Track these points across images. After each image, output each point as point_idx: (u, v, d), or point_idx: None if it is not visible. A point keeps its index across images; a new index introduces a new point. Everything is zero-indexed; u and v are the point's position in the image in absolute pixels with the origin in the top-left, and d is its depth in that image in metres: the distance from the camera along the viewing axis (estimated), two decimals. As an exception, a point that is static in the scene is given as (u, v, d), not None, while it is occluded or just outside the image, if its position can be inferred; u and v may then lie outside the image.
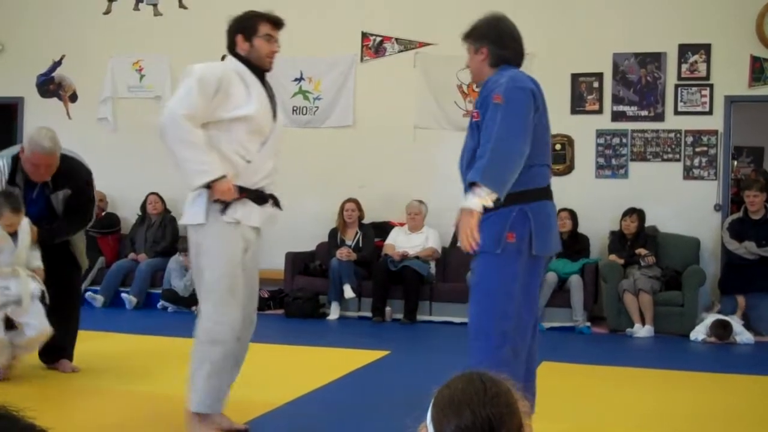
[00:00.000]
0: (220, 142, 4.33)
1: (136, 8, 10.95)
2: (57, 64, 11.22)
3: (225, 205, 4.33)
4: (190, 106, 4.26)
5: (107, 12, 11.04)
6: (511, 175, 4.01)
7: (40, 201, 5.73)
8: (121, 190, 10.85)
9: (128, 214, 10.73)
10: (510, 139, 3.98)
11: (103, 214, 10.63)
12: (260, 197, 4.50)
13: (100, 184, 10.63)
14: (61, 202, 5.80)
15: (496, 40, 4.35)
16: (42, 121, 11.22)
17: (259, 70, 4.54)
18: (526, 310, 4.22)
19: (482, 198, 3.98)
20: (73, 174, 5.84)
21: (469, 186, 4.02)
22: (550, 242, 4.26)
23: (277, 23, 4.56)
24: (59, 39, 11.16)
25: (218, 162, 4.27)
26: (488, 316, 4.11)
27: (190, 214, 4.43)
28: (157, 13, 10.86)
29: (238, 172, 4.35)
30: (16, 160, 5.61)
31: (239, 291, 4.42)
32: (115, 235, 10.64)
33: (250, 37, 4.49)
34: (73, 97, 11.23)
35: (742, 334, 8.15)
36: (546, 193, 4.27)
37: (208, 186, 4.24)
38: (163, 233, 10.26)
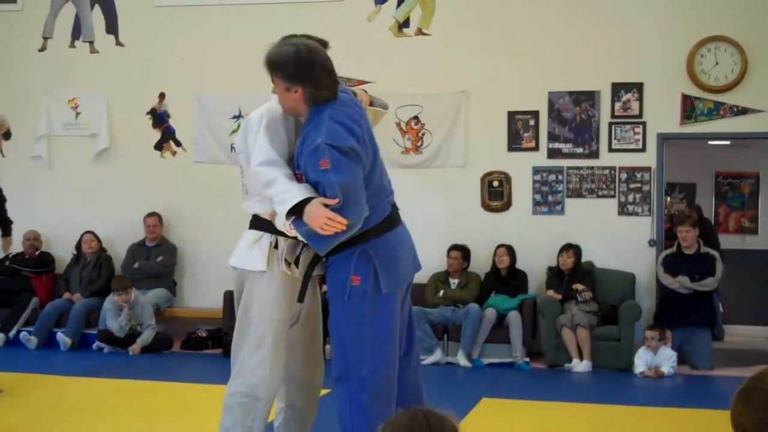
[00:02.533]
0: None
1: (72, 45, 10.84)
2: (-10, 101, 11.04)
3: (295, 259, 4.22)
4: (262, 153, 4.04)
5: (42, 49, 10.91)
6: (336, 242, 3.94)
7: None
8: (55, 229, 10.67)
9: (63, 253, 10.54)
10: (346, 213, 3.82)
11: (37, 253, 10.44)
12: None
13: (34, 223, 10.54)
14: None
15: (312, 82, 3.99)
16: (-26, 160, 11.05)
17: None
18: (385, 351, 4.11)
19: (285, 227, 3.97)
20: None
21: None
22: (399, 275, 4.16)
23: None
24: (-8, 76, 11.01)
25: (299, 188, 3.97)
26: (345, 362, 4.10)
27: (249, 258, 4.25)
28: (93, 51, 10.77)
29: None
30: None
31: (283, 348, 4.30)
32: (49, 274, 10.44)
33: None
34: (7, 135, 11.02)
35: (670, 361, 8.28)
36: (388, 225, 4.15)
37: (300, 215, 3.88)
38: (99, 273, 10.10)
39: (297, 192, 3.89)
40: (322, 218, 3.78)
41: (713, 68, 9.18)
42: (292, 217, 3.89)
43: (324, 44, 4.23)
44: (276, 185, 3.94)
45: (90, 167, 10.71)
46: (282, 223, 4.00)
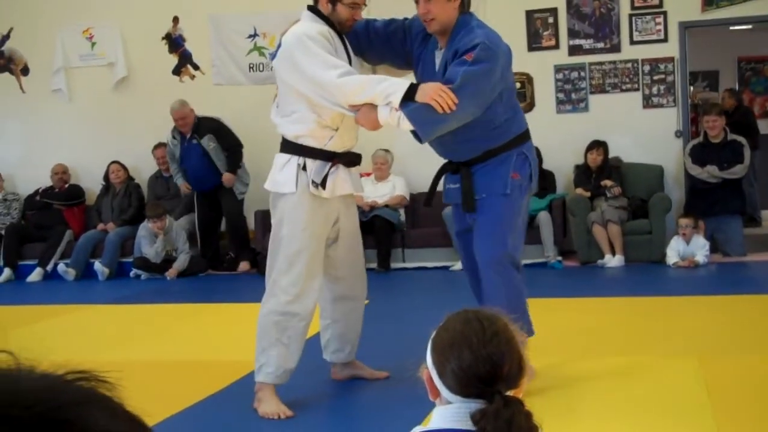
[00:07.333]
0: (317, 106, 4.20)
1: (81, -25, 10.74)
2: (5, 37, 11.00)
3: (321, 180, 4.27)
4: (335, 65, 4.07)
5: (52, -19, 10.83)
6: (438, 128, 4.08)
7: None
8: (82, 161, 10.73)
9: (92, 184, 10.62)
10: (458, 94, 3.97)
11: (67, 186, 10.52)
12: (351, 161, 4.47)
13: (60, 157, 10.60)
14: None
15: None
16: (-4, 97, 11.09)
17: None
18: (522, 241, 4.66)
19: (392, 118, 4.00)
20: None
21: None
22: (537, 179, 4.67)
23: None
24: (6, 12, 10.93)
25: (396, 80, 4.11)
26: (505, 250, 4.42)
27: (278, 181, 4.34)
28: (103, -21, 10.67)
29: (332, 138, 4.29)
30: None
31: (318, 265, 4.40)
32: (80, 206, 10.54)
33: (335, 1, 4.30)
34: (25, 71, 11.05)
35: (703, 249, 8.30)
36: (529, 134, 4.55)
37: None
38: (129, 201, 10.17)
39: (398, 80, 4.10)
40: (438, 90, 3.93)
41: (733, -50, 8.98)
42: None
43: None
44: (374, 83, 4.06)
45: (110, 97, 10.71)
46: (387, 113, 4.02)
